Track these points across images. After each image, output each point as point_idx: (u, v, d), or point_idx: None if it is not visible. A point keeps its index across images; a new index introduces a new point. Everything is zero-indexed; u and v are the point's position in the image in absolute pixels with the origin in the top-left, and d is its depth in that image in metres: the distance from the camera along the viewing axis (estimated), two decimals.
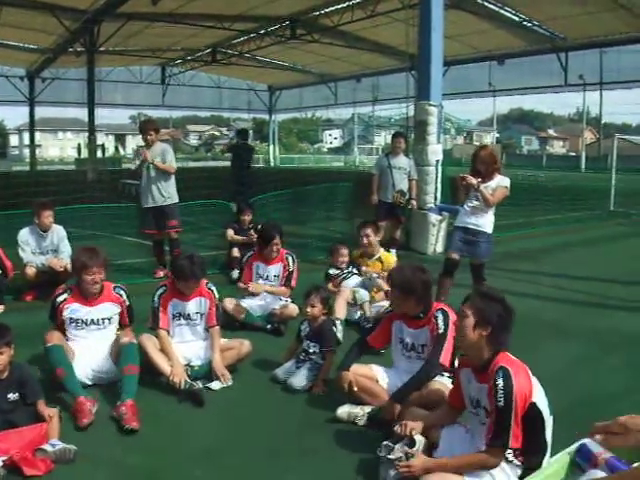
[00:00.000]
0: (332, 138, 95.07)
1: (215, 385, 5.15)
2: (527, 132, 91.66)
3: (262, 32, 27.44)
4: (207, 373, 5.30)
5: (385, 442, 3.62)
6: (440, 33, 11.47)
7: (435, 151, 11.37)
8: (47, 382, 4.67)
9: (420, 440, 3.58)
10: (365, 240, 7.29)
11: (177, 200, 9.17)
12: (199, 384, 4.98)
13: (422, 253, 11.08)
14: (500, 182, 6.94)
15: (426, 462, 3.41)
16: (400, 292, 4.50)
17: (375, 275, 7.11)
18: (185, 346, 5.46)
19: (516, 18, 24.60)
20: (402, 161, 10.76)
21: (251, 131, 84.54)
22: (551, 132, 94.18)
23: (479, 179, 6.86)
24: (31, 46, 29.55)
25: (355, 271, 7.35)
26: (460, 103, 36.16)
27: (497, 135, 69.18)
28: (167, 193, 8.96)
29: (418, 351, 4.61)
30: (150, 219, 9.01)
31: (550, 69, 29.18)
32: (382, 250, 7.58)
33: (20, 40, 28.37)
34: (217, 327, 5.55)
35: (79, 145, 52.24)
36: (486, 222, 7.02)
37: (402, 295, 4.49)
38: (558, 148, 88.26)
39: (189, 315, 5.51)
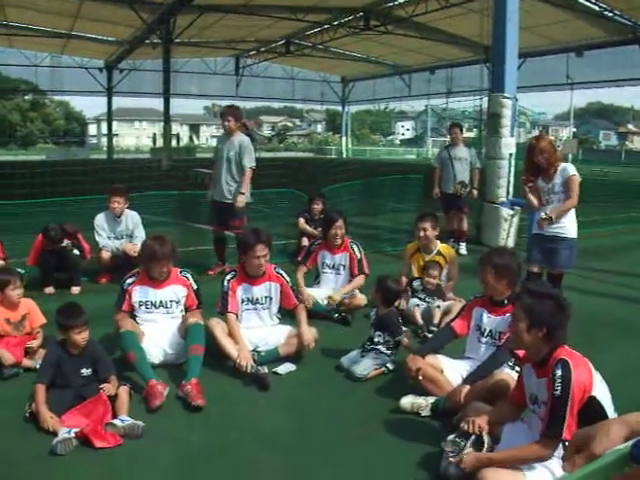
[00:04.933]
0: (404, 129, 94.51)
1: (281, 370, 5.23)
2: (606, 127, 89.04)
3: (336, 23, 27.41)
4: (274, 358, 5.38)
5: (451, 437, 3.59)
6: (515, 24, 11.25)
7: (508, 144, 11.17)
8: (118, 362, 4.82)
9: (488, 440, 3.55)
10: (422, 234, 6.84)
11: (248, 200, 8.45)
12: (265, 369, 5.06)
13: (492, 247, 10.93)
14: (564, 173, 6.13)
15: (479, 457, 3.40)
16: (495, 273, 4.58)
17: (436, 304, 6.57)
18: (252, 331, 5.55)
19: (596, 7, 23.76)
20: (462, 151, 10.77)
21: (324, 122, 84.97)
22: (631, 127, 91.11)
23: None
24: (109, 38, 30.33)
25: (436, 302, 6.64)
26: (536, 96, 35.24)
27: (574, 129, 67.48)
28: (236, 189, 8.34)
29: (494, 337, 4.63)
30: (216, 214, 8.59)
31: (631, 61, 28.15)
32: (439, 243, 7.07)
33: (99, 33, 29.18)
34: (300, 305, 5.72)
35: (154, 134, 53.41)
36: (568, 225, 6.27)
37: (496, 276, 4.59)
38: (638, 144, 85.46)
39: (257, 300, 5.61)
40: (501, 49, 11.27)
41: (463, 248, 10.54)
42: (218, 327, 5.32)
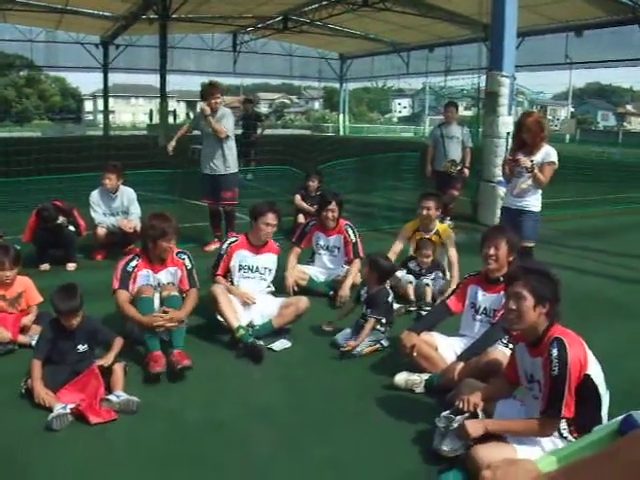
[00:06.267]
0: (401, 107, 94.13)
1: (277, 346, 5.26)
2: (604, 107, 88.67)
3: (334, 0, 27.20)
4: (268, 332, 5.44)
5: (445, 413, 3.62)
6: (515, 2, 11.17)
7: (506, 123, 11.13)
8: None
9: (482, 416, 3.56)
10: (425, 212, 6.85)
11: (236, 170, 8.86)
12: (261, 342, 5.11)
13: (489, 226, 10.91)
14: (546, 157, 6.38)
15: (485, 422, 3.42)
16: (509, 248, 4.66)
17: (425, 282, 6.60)
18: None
19: None
20: (455, 130, 10.85)
21: (321, 99, 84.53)
22: (629, 108, 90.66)
23: (532, 159, 6.32)
24: (105, 14, 29.99)
25: (431, 278, 6.69)
26: (535, 76, 35.07)
27: (572, 109, 67.18)
28: (226, 162, 8.60)
29: (489, 315, 4.66)
30: (208, 187, 8.71)
31: (630, 41, 27.87)
32: (438, 223, 7.13)
33: (95, 8, 28.82)
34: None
35: (151, 111, 52.96)
36: (532, 201, 6.55)
37: (509, 251, 4.67)
38: (636, 125, 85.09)
39: (257, 268, 5.80)
40: (500, 27, 11.20)
41: (449, 224, 10.55)
42: (223, 297, 5.38)
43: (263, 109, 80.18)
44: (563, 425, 3.30)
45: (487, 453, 3.21)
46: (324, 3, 27.91)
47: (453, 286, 6.16)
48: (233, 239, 5.88)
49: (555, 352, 3.20)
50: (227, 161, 8.63)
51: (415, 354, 4.57)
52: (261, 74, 46.29)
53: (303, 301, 5.63)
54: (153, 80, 36.01)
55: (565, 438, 3.31)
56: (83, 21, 30.70)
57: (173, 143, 8.85)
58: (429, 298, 6.45)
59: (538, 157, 6.38)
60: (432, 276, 6.71)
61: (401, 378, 4.50)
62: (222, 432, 3.91)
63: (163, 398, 4.32)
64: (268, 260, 5.89)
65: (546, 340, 3.30)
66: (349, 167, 12.32)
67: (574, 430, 3.31)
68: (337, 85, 49.78)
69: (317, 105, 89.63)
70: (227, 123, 8.52)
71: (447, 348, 4.70)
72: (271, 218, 5.75)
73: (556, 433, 3.31)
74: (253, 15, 31.00)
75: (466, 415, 3.52)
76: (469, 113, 24.59)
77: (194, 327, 5.44)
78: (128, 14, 28.10)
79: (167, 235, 5.12)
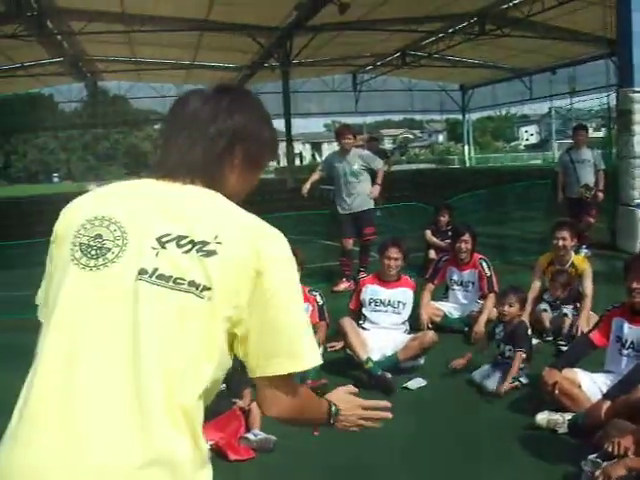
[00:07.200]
0: (528, 134, 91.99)
1: (412, 385, 5.20)
2: None
3: (450, 31, 27.09)
4: (393, 364, 5.43)
5: (592, 457, 3.42)
6: None
7: None
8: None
9: None
10: (561, 243, 6.47)
11: (372, 205, 8.94)
12: (389, 375, 5.14)
13: (630, 253, 10.33)
14: None
15: (625, 461, 3.20)
16: None
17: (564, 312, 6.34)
18: (382, 332, 5.71)
19: None
20: (585, 154, 10.36)
21: (444, 132, 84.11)
22: None
23: None
24: (229, 65, 31.43)
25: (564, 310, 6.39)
26: None
27: None
28: (366, 199, 8.74)
29: (638, 349, 4.37)
30: (348, 226, 8.78)
31: None
32: (573, 254, 6.74)
33: (219, 61, 30.30)
34: None
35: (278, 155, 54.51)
36: None
37: None
38: None
39: (389, 302, 5.86)
40: (627, 40, 10.73)
41: (586, 253, 10.05)
42: (351, 329, 5.50)
43: (387, 146, 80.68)
44: None
45: None
46: (441, 35, 27.92)
47: (582, 318, 5.93)
48: (366, 275, 6.22)
49: None
50: (367, 198, 8.76)
51: (557, 392, 4.36)
52: (382, 111, 46.66)
53: (429, 335, 5.59)
54: (279, 124, 37.18)
55: None
56: (209, 74, 32.22)
57: (308, 186, 8.99)
58: (566, 329, 6.16)
59: None
60: (570, 307, 6.42)
61: (543, 418, 4.29)
62: (358, 473, 3.89)
63: (299, 435, 4.29)
64: (401, 294, 5.92)
65: None
66: (478, 199, 12.12)
67: None
68: (460, 116, 49.32)
69: (441, 138, 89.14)
70: (376, 162, 8.89)
71: (591, 385, 4.45)
72: (392, 252, 5.87)
73: None
74: (371, 54, 31.44)
75: (615, 460, 3.29)
76: (599, 134, 23.69)
77: (325, 363, 5.45)
78: (251, 64, 29.24)
79: None
